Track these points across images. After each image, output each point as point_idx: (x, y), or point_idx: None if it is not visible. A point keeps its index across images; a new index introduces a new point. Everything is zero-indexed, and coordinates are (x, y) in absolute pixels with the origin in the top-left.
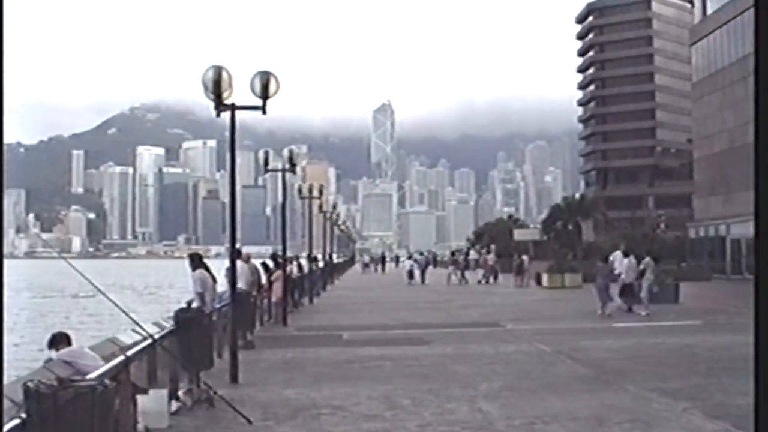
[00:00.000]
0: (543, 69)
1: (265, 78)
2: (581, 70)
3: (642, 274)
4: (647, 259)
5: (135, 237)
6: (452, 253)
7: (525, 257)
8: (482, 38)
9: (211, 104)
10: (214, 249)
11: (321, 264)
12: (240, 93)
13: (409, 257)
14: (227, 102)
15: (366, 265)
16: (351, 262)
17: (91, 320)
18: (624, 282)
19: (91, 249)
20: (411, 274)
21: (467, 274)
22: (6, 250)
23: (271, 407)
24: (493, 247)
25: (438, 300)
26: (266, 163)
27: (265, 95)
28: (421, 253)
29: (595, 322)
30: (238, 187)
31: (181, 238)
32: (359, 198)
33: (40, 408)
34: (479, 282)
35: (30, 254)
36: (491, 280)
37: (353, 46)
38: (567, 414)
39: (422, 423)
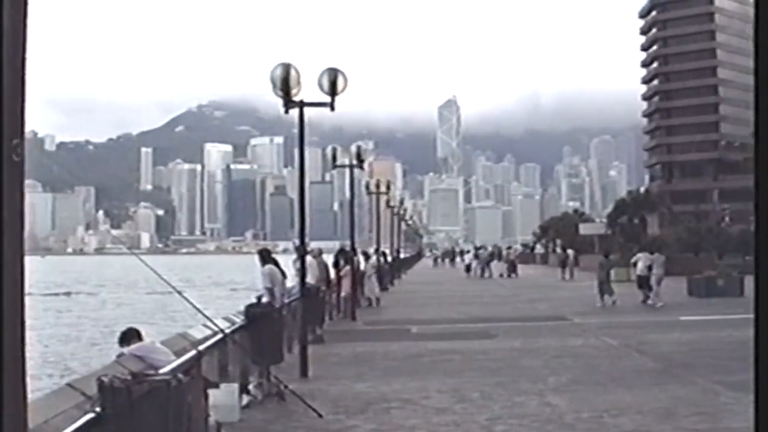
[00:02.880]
0: (607, 64)
1: (333, 75)
2: (645, 64)
3: (649, 268)
4: (655, 254)
5: (203, 233)
6: (476, 248)
7: (570, 252)
8: (547, 33)
9: (279, 101)
10: (281, 244)
11: (389, 259)
12: (306, 89)
13: (468, 252)
14: (296, 99)
15: (436, 260)
16: (418, 256)
17: (161, 316)
18: (638, 275)
19: (160, 245)
20: (468, 268)
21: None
22: (75, 246)
23: (341, 401)
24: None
25: (505, 294)
26: (334, 159)
27: (333, 92)
28: (478, 248)
29: (660, 315)
30: (306, 183)
31: (249, 234)
32: (425, 193)
33: (114, 402)
34: (501, 275)
35: (99, 251)
36: (511, 274)
37: (418, 42)
38: (635, 407)
39: (492, 416)
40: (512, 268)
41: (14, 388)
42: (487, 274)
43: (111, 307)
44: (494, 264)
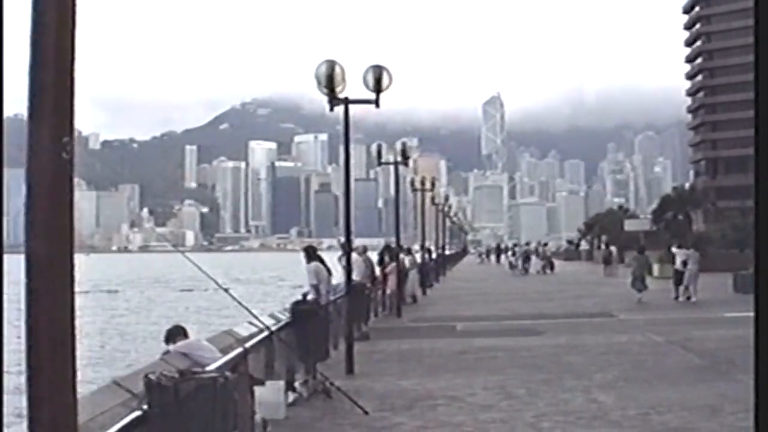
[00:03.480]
0: (651, 59)
1: (378, 72)
2: (689, 60)
3: (684, 264)
4: (690, 250)
5: (248, 230)
6: (514, 245)
7: (613, 248)
8: (590, 29)
9: (323, 98)
10: (326, 242)
11: (434, 255)
12: (350, 86)
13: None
14: (340, 96)
15: (481, 257)
16: (463, 253)
17: (205, 313)
18: (675, 269)
19: (204, 242)
20: (511, 264)
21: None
22: (120, 244)
23: (387, 398)
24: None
25: (549, 290)
26: (379, 156)
27: (378, 89)
28: (515, 245)
29: (706, 312)
30: (351, 180)
31: (293, 231)
32: (470, 190)
33: (161, 400)
34: (538, 272)
35: (144, 248)
36: (547, 270)
37: (462, 38)
38: (681, 404)
39: (538, 413)
40: (548, 265)
41: (64, 385)
42: (530, 270)
43: (155, 304)
44: (532, 260)
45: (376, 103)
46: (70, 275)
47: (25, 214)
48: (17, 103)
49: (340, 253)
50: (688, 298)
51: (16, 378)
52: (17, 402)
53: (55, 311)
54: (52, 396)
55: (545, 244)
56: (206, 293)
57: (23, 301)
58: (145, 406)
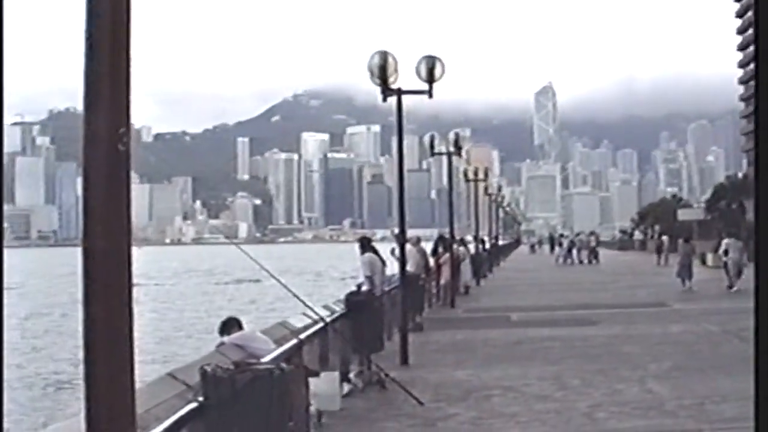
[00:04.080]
0: (703, 48)
1: (431, 62)
2: (741, 48)
3: (726, 253)
4: (731, 239)
5: (301, 222)
6: (560, 236)
7: (664, 237)
8: (642, 18)
9: (376, 89)
10: (379, 233)
11: (488, 246)
12: (402, 77)
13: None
14: (393, 87)
15: (533, 247)
16: (516, 243)
17: (259, 304)
18: (724, 261)
19: (257, 234)
20: (563, 256)
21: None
22: (173, 236)
23: (442, 389)
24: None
25: (602, 280)
26: (432, 146)
27: (430, 79)
28: (561, 235)
29: None
30: (404, 171)
31: (346, 223)
32: (523, 180)
33: (217, 391)
34: (583, 262)
35: (197, 240)
36: (593, 260)
37: (514, 28)
38: (737, 394)
39: (593, 403)
40: (594, 255)
41: (122, 379)
42: (571, 261)
43: (209, 296)
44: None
45: (429, 93)
46: (128, 268)
47: (83, 207)
48: (69, 98)
49: (393, 244)
50: (731, 286)
51: (73, 369)
52: (62, 396)
53: (112, 304)
54: (109, 390)
55: (591, 233)
56: (260, 285)
57: (81, 295)
58: (201, 398)
